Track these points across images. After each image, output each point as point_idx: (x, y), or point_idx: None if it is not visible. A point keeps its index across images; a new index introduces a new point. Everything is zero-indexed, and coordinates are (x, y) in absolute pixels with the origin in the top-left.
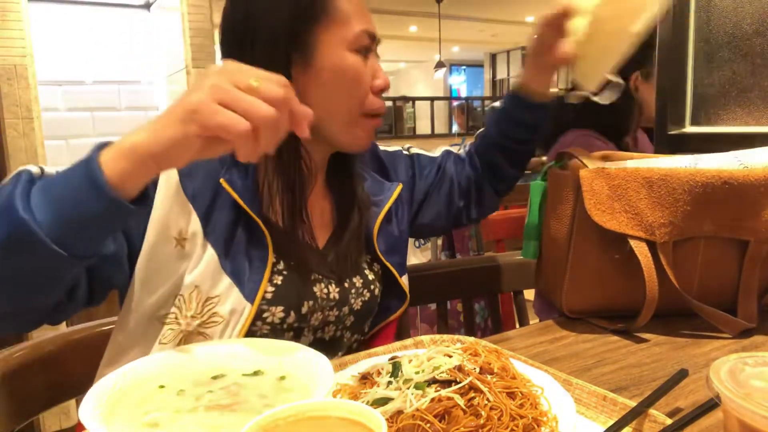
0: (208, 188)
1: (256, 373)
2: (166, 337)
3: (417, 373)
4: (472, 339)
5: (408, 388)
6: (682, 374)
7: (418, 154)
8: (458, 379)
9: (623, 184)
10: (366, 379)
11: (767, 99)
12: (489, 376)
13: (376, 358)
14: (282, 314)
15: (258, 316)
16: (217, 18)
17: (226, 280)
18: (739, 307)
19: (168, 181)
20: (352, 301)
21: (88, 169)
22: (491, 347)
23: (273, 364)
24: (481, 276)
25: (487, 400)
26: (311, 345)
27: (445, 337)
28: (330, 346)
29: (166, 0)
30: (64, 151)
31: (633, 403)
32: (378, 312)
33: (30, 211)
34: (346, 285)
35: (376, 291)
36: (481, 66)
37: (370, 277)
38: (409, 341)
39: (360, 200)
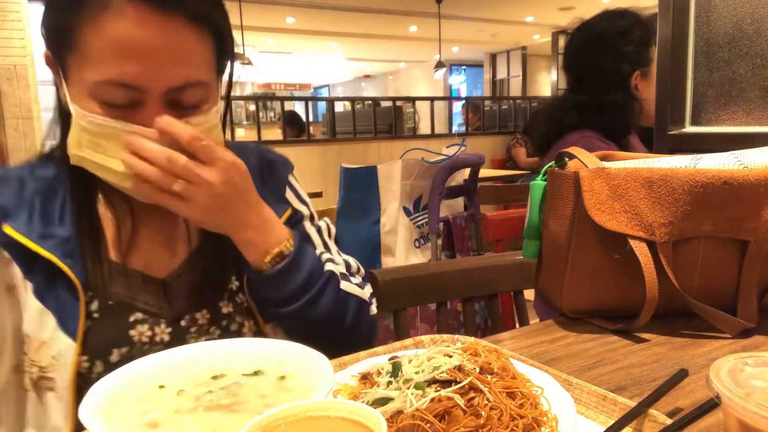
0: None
1: (256, 373)
2: (26, 384)
3: (417, 373)
4: (472, 339)
5: (408, 388)
6: (682, 374)
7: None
8: (458, 379)
9: (623, 184)
10: (366, 379)
11: (767, 99)
12: (489, 376)
13: (376, 358)
14: (87, 364)
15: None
16: None
17: (51, 322)
18: (739, 307)
19: None
20: (191, 341)
21: None
22: (491, 347)
23: (273, 364)
24: (481, 276)
25: (487, 400)
26: None
27: (445, 337)
28: None
29: None
30: None
31: (633, 403)
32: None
33: None
34: (183, 323)
35: (233, 327)
36: (481, 66)
37: (225, 310)
38: (409, 341)
39: None
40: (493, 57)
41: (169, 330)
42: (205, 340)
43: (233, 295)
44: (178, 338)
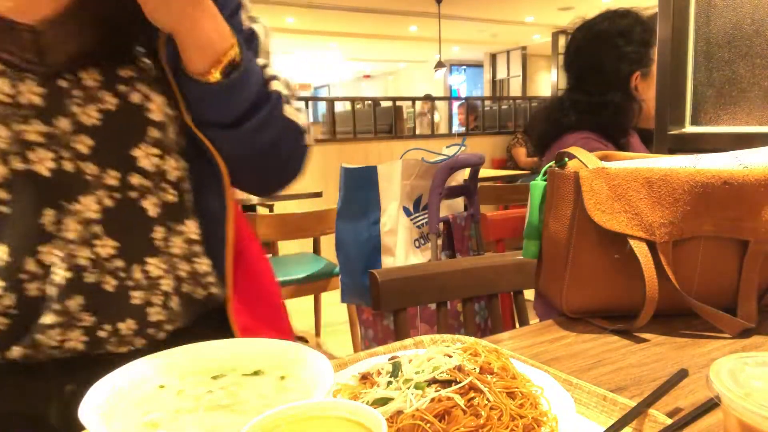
0: None
1: (256, 373)
2: None
3: (417, 373)
4: (472, 339)
5: (408, 388)
6: (682, 374)
7: None
8: (458, 379)
9: (623, 184)
10: (366, 379)
11: (767, 99)
12: (489, 376)
13: (376, 358)
14: None
15: None
16: None
17: None
18: (739, 307)
19: None
20: (75, 109)
21: None
22: (491, 347)
23: (273, 364)
24: (481, 276)
25: (487, 400)
26: (21, 178)
27: (445, 337)
28: (68, 184)
29: None
30: None
31: (633, 403)
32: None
33: None
34: (63, 83)
35: (135, 97)
36: (481, 66)
37: (125, 72)
38: (409, 341)
39: None
40: (493, 57)
41: (40, 90)
42: (97, 111)
43: (136, 59)
44: (56, 103)
